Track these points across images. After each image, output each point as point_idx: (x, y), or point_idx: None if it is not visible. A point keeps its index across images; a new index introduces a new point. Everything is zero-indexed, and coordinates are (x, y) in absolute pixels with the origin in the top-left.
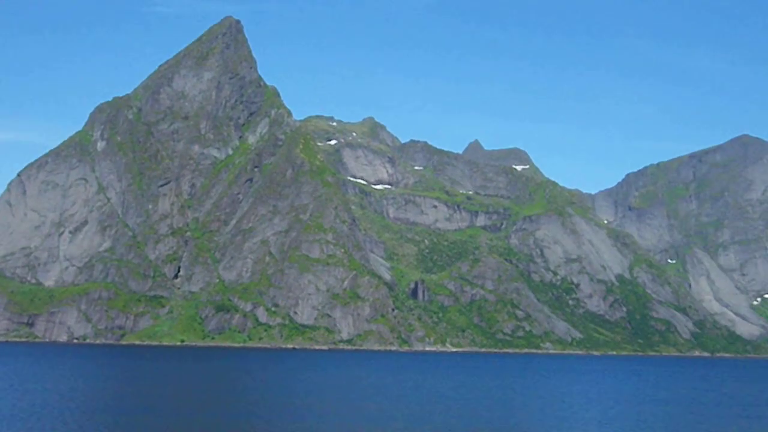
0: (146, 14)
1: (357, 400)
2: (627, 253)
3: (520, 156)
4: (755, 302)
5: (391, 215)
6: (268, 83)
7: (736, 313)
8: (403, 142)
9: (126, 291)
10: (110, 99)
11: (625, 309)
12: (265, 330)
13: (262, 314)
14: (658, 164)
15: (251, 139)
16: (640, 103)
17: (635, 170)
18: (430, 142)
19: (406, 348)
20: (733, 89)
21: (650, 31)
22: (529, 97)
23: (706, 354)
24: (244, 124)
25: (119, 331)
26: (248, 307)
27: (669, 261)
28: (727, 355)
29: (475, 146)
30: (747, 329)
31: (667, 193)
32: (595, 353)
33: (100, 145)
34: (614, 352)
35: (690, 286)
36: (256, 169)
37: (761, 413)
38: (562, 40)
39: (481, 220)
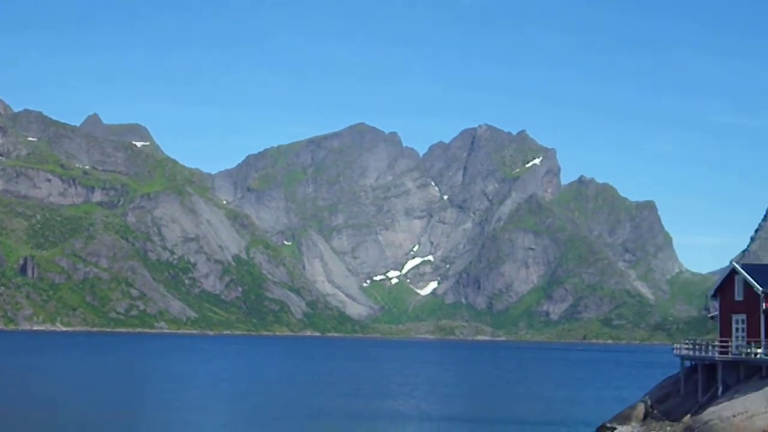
0: None
1: None
2: (245, 233)
3: (140, 132)
4: (365, 284)
5: (0, 188)
6: None
7: (347, 295)
8: (16, 110)
9: None
10: None
11: (240, 289)
12: None
13: None
14: (278, 147)
15: None
16: (264, 83)
17: (256, 152)
18: (45, 113)
19: (12, 327)
20: (352, 77)
21: (280, 21)
22: (151, 72)
23: (317, 333)
24: None
25: None
26: None
27: (285, 243)
28: (336, 334)
29: (93, 119)
30: (356, 310)
31: (286, 176)
32: (210, 333)
33: None
34: (229, 332)
35: (304, 267)
36: None
37: (356, 391)
38: (187, 18)
39: (97, 196)
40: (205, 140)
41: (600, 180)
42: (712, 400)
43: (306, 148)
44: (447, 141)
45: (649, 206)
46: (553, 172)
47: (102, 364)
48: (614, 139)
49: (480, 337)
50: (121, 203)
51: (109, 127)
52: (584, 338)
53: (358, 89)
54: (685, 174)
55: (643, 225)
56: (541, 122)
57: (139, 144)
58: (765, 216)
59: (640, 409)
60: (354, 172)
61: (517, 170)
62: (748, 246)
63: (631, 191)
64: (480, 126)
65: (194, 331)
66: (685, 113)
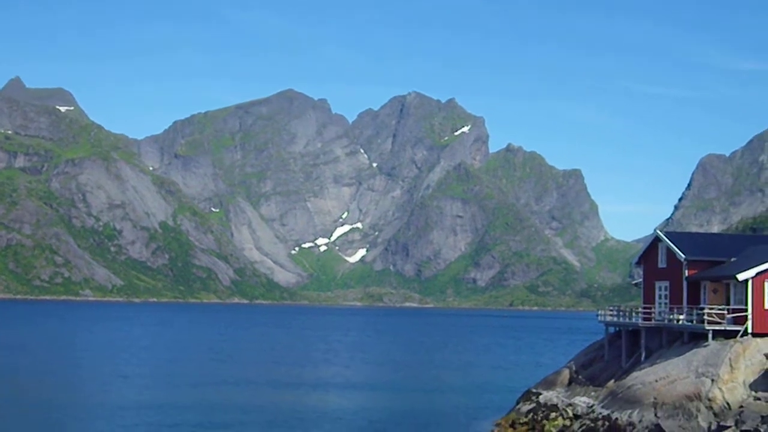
0: None
1: None
2: (171, 200)
3: (64, 96)
4: (293, 251)
5: None
6: None
7: (275, 262)
8: None
9: None
10: None
11: (167, 256)
12: None
13: None
14: (205, 113)
15: None
16: (191, 49)
17: (183, 118)
18: None
19: None
20: (281, 43)
21: None
22: (74, 35)
23: (245, 301)
24: None
25: None
26: None
27: (213, 210)
28: (265, 302)
29: (16, 83)
30: (284, 277)
31: (214, 143)
32: (136, 300)
33: None
34: (155, 299)
35: (232, 234)
36: None
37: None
38: None
39: (20, 162)
40: (131, 105)
41: (528, 148)
42: (635, 365)
43: (234, 114)
44: (376, 108)
45: (576, 175)
46: (482, 140)
47: (24, 332)
48: (542, 107)
49: (408, 304)
50: (44, 169)
51: (32, 90)
52: (511, 305)
53: (287, 55)
54: (611, 143)
55: (569, 193)
56: (470, 90)
57: (63, 109)
58: (688, 185)
59: (565, 374)
60: (282, 139)
61: (446, 138)
62: (672, 214)
63: (559, 160)
64: (409, 93)
65: (120, 299)
66: (613, 82)
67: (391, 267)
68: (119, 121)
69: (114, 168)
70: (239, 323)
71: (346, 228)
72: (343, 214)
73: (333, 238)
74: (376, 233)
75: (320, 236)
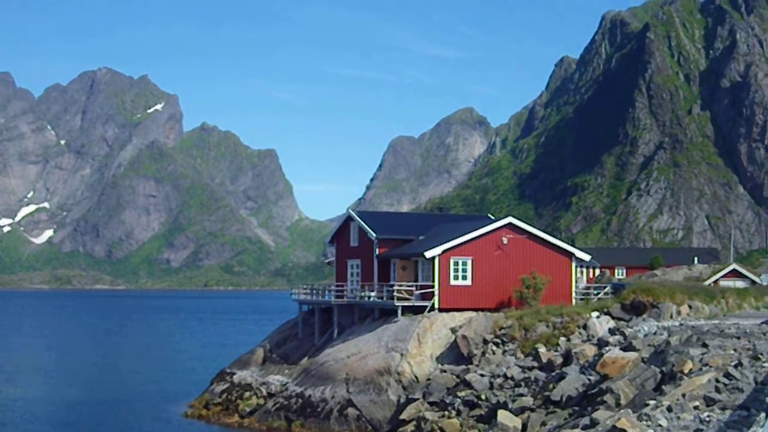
0: None
1: None
2: None
3: None
4: None
5: None
6: None
7: None
8: None
9: None
10: None
11: None
12: None
13: None
14: None
15: None
16: None
17: None
18: None
19: None
20: None
21: None
22: None
23: None
24: None
25: None
26: None
27: None
28: None
29: None
30: None
31: None
32: None
33: None
34: None
35: None
36: None
37: None
38: None
39: None
40: None
41: (223, 127)
42: (328, 342)
43: None
44: (64, 83)
45: (271, 155)
46: (176, 118)
47: None
48: (237, 87)
49: (99, 287)
50: None
51: None
52: (206, 285)
53: None
54: (306, 124)
55: (264, 173)
56: (163, 67)
57: None
58: (380, 166)
59: (259, 353)
60: None
61: (139, 115)
62: (364, 194)
63: (253, 140)
64: (100, 69)
65: None
66: (308, 64)
67: (81, 248)
68: None
69: None
70: None
71: (32, 208)
72: (28, 193)
73: (18, 219)
74: (65, 213)
75: (3, 216)
